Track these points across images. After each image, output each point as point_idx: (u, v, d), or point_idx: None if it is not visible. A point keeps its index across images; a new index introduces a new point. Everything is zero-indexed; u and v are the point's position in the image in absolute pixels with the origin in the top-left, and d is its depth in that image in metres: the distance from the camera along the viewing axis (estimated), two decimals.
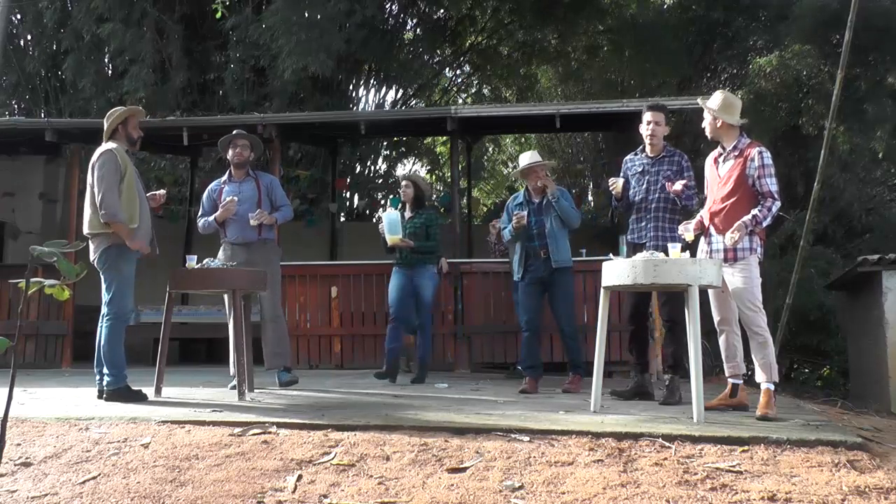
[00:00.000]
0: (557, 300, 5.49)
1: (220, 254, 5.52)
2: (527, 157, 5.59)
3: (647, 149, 5.01)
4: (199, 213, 5.69)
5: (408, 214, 6.25)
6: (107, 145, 4.75)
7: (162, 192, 5.13)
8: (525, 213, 5.43)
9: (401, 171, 17.99)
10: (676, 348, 4.85)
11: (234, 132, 5.65)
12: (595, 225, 11.12)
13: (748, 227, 4.16)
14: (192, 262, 4.92)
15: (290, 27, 10.20)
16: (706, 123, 4.46)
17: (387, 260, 7.45)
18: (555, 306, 5.51)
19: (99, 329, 4.62)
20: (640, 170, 4.98)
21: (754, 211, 4.18)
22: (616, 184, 4.92)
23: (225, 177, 5.68)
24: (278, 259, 5.73)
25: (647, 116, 4.97)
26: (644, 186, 4.91)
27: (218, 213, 5.45)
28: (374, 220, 14.00)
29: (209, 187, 5.74)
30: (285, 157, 9.49)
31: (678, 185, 4.75)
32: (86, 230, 4.69)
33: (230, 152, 5.55)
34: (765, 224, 4.20)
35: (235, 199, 5.38)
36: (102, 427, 3.66)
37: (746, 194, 4.23)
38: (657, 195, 4.88)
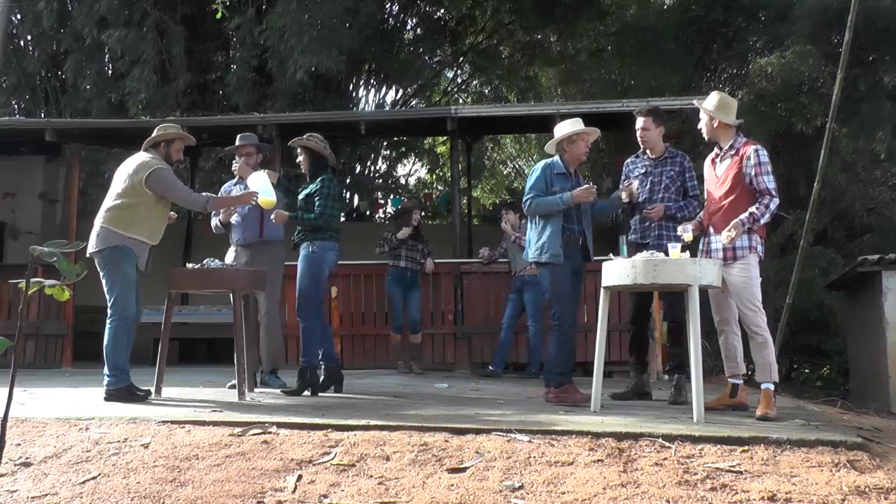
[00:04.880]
0: (576, 298, 4.86)
1: (230, 255, 5.56)
2: (574, 124, 4.77)
3: (648, 151, 5.01)
4: (213, 214, 5.72)
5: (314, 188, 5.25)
6: (148, 156, 4.77)
7: (173, 213, 5.06)
8: (636, 183, 4.84)
9: (401, 171, 18.01)
10: (682, 348, 4.84)
11: (238, 143, 5.65)
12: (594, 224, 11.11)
13: (745, 224, 4.16)
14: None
15: (302, 26, 10.24)
16: (702, 124, 4.46)
17: (387, 260, 7.45)
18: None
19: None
20: (643, 171, 4.97)
21: (751, 209, 4.17)
22: (630, 186, 4.90)
23: (237, 177, 5.71)
24: (282, 260, 5.72)
25: (637, 122, 4.97)
26: (648, 187, 4.91)
27: (221, 214, 5.52)
28: (375, 220, 14.04)
29: (222, 189, 5.83)
30: (286, 156, 9.47)
31: (660, 210, 4.78)
32: (104, 225, 4.62)
33: (238, 160, 5.62)
34: (762, 221, 4.19)
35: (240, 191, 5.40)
36: (102, 427, 3.65)
37: (744, 193, 4.23)
38: (661, 195, 4.87)
